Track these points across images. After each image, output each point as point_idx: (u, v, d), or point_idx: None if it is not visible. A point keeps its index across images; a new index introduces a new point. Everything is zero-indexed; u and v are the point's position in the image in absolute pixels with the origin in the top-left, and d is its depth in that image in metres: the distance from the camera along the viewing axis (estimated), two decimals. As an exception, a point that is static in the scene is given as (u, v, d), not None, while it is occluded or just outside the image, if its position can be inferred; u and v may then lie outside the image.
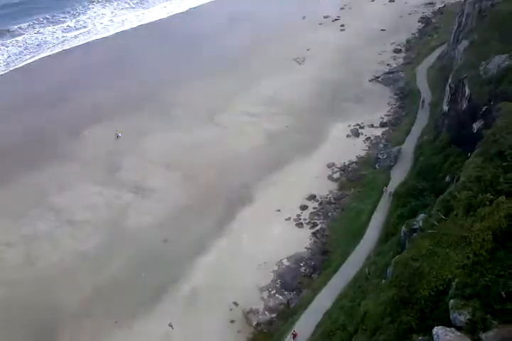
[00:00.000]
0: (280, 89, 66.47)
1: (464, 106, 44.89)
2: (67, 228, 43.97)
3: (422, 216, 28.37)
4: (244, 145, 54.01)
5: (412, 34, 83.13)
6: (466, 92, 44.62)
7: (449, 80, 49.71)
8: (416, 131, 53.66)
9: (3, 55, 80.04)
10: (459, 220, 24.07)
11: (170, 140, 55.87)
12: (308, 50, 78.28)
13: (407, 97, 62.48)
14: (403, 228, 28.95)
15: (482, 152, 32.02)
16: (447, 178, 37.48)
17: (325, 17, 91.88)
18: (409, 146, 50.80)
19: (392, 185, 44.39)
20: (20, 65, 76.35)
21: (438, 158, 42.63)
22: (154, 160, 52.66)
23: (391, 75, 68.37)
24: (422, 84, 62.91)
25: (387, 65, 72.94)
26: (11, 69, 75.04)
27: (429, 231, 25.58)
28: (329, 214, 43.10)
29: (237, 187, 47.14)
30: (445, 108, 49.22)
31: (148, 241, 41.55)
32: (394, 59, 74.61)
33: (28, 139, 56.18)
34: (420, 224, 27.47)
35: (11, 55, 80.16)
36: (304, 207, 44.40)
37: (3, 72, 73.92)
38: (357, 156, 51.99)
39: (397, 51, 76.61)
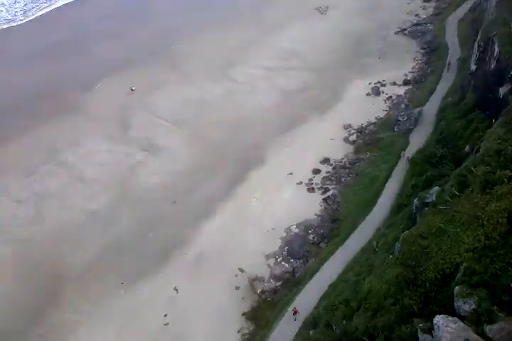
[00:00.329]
0: (299, 41, 63.21)
1: (492, 66, 41.72)
2: (78, 185, 43.96)
3: (435, 189, 26.94)
4: (258, 103, 52.18)
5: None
6: (496, 51, 41.26)
7: (478, 37, 45.92)
8: (441, 90, 50.58)
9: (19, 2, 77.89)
10: (474, 198, 22.71)
11: (181, 95, 54.32)
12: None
13: (434, 52, 58.59)
14: (415, 201, 27.76)
15: (506, 122, 29.93)
16: (467, 148, 35.45)
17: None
18: (432, 108, 48.10)
19: (411, 150, 42.50)
20: (36, 15, 73.89)
21: (460, 124, 40.29)
22: (165, 117, 51.50)
23: (419, 27, 63.97)
24: (452, 38, 58.66)
25: (416, 15, 68.10)
26: (28, 19, 72.76)
27: (442, 206, 24.39)
28: (342, 179, 41.84)
29: (249, 147, 45.95)
30: (473, 67, 45.89)
31: (157, 201, 41.34)
32: (423, 8, 69.55)
33: (40, 92, 55.19)
34: (433, 198, 26.17)
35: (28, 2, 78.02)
36: (316, 171, 43.18)
37: (20, 22, 71.83)
38: (376, 117, 49.70)
39: (427, 0, 71.17)
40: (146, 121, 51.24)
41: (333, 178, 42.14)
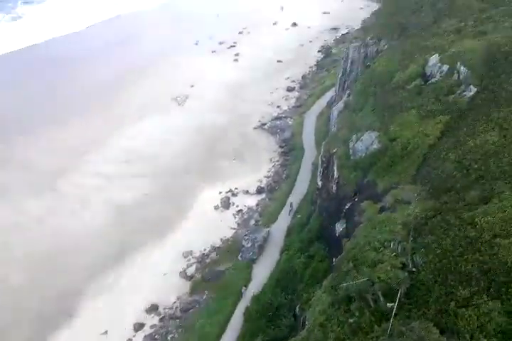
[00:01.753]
0: (149, 139, 57.17)
1: (334, 189, 37.95)
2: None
3: None
4: (84, 226, 44.13)
5: (310, 67, 76.78)
6: (335, 174, 37.66)
7: (321, 150, 42.71)
8: (294, 201, 46.32)
9: None
10: None
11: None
12: (192, 86, 69.31)
13: (291, 152, 55.22)
14: None
15: (331, 287, 25.00)
16: (297, 309, 29.91)
17: (220, 43, 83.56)
18: (281, 226, 43.35)
19: (254, 286, 36.61)
20: None
21: (300, 261, 35.24)
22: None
23: (278, 122, 60.99)
24: (308, 137, 56.12)
25: (278, 106, 65.65)
26: None
27: None
28: (169, 337, 34.18)
29: (57, 295, 37.04)
30: (319, 182, 42.19)
31: None
32: (286, 99, 67.47)
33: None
34: None
35: None
36: (139, 327, 35.23)
37: None
38: (222, 239, 43.64)
39: (290, 89, 69.60)
40: None
41: (157, 337, 34.32)
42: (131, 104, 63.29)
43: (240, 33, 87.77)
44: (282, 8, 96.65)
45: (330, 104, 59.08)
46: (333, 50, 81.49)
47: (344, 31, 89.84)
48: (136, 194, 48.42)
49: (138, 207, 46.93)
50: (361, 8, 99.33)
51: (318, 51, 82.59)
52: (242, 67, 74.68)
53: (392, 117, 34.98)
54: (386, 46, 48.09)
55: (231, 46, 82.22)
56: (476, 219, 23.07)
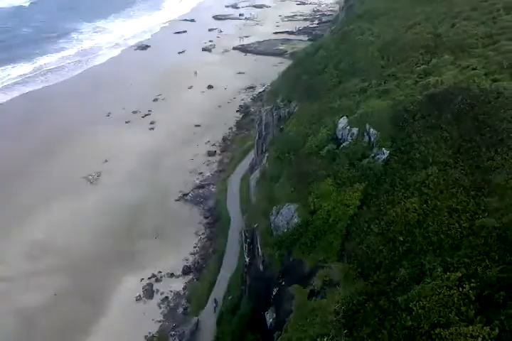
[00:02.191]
0: (56, 228, 51.45)
1: (261, 268, 34.76)
2: None
3: None
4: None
5: (229, 128, 75.73)
6: (259, 251, 34.70)
7: (243, 225, 40.00)
8: (223, 281, 42.50)
9: None
10: None
11: None
12: (106, 161, 65.21)
13: (217, 223, 51.99)
14: None
15: None
16: None
17: (134, 112, 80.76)
18: (212, 312, 39.09)
19: None
20: None
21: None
22: None
23: (201, 191, 58.07)
24: (233, 204, 53.26)
25: (200, 173, 62.99)
26: None
27: None
28: None
29: None
30: (246, 259, 38.96)
31: None
32: (207, 165, 65.09)
33: None
34: None
35: None
36: None
37: None
38: (146, 337, 38.49)
39: (211, 154, 67.46)
40: None
41: None
42: (37, 189, 57.78)
43: (155, 100, 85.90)
44: (196, 72, 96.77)
45: (253, 166, 57.33)
46: (252, 109, 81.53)
47: (260, 89, 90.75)
48: (44, 296, 42.33)
49: (46, 309, 40.89)
50: (275, 66, 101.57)
51: (237, 111, 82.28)
52: (158, 136, 71.99)
53: (309, 187, 33.08)
54: (297, 108, 47.58)
55: (146, 115, 79.75)
56: (411, 304, 20.76)
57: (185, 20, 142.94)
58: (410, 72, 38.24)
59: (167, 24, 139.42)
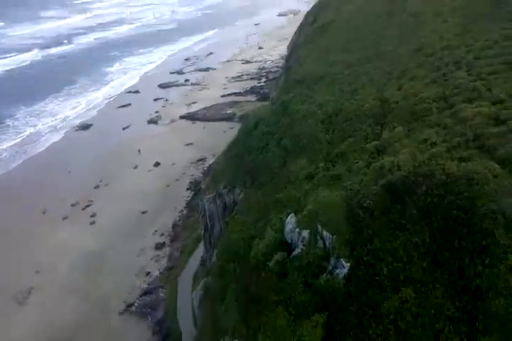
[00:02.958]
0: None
1: None
2: None
3: None
4: None
5: (180, 212, 68.93)
6: None
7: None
8: None
9: None
10: None
11: None
12: (38, 272, 56.59)
13: (167, 339, 43.59)
14: None
15: None
16: None
17: (73, 205, 73.05)
18: None
19: None
20: None
21: None
22: None
23: (148, 298, 50.16)
24: (184, 314, 45.10)
25: (147, 273, 55.28)
26: None
27: None
28: None
29: None
30: None
31: None
32: (156, 261, 57.44)
33: None
34: None
35: None
36: None
37: None
38: None
39: (159, 246, 60.07)
40: None
41: None
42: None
43: (96, 187, 78.61)
44: (139, 150, 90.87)
45: (204, 261, 49.93)
46: (203, 185, 75.14)
47: (211, 161, 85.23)
48: None
49: None
50: (225, 132, 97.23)
51: (187, 189, 75.89)
52: (100, 232, 64.23)
53: (258, 316, 25.93)
54: (241, 195, 41.39)
55: (86, 206, 72.09)
56: None
57: (129, 92, 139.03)
58: (360, 150, 32.68)
59: (112, 99, 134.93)
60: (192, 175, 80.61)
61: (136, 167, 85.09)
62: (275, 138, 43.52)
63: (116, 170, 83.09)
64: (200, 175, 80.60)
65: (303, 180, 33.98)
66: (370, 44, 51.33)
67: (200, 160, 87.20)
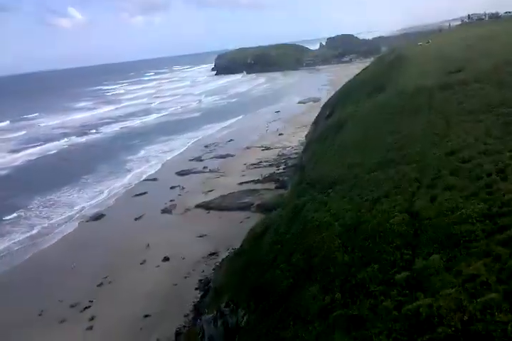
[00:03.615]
0: None
1: None
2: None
3: None
4: None
5: (185, 316, 62.55)
6: None
7: None
8: None
9: None
10: None
11: None
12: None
13: None
14: None
15: None
16: None
17: (72, 306, 67.78)
18: None
19: None
20: None
21: None
22: None
23: None
24: None
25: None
26: None
27: None
28: None
29: None
30: None
31: None
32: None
33: None
34: None
35: None
36: None
37: None
38: None
39: None
40: None
41: None
42: None
43: (100, 284, 73.67)
44: (148, 245, 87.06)
45: None
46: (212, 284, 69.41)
47: (224, 255, 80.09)
48: None
49: None
50: (241, 222, 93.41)
51: (196, 289, 70.06)
52: (95, 338, 58.22)
53: None
54: (245, 319, 35.79)
55: (85, 307, 66.54)
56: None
57: (147, 180, 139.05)
58: (387, 282, 26.57)
59: (130, 187, 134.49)
60: (202, 272, 75.30)
61: (143, 262, 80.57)
62: (284, 252, 38.38)
63: (123, 266, 78.68)
64: (211, 271, 75.17)
65: (314, 316, 28.20)
66: (392, 144, 47.50)
67: (212, 254, 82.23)
